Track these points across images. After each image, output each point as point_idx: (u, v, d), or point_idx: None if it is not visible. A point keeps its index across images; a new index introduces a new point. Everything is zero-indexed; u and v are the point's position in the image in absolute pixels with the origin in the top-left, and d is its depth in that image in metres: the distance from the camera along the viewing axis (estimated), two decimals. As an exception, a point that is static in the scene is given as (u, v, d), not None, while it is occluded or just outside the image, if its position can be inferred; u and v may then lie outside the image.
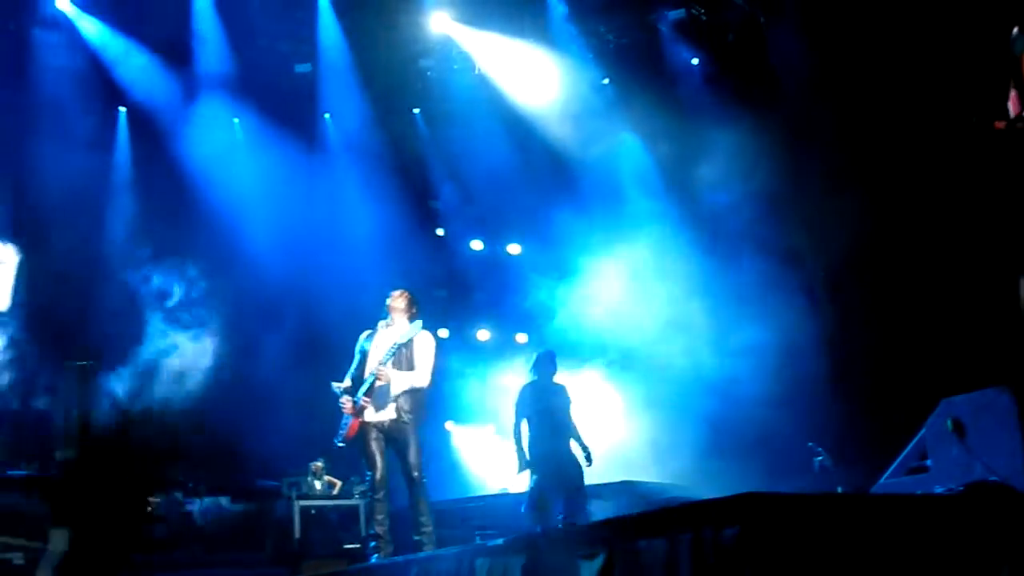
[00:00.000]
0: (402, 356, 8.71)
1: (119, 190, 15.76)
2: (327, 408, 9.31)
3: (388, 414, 8.62)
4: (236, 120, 16.45)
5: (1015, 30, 8.07)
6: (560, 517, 9.73)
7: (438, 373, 9.09)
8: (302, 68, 16.08)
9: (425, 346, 8.81)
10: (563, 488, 9.84)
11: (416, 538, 8.55)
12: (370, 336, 8.96)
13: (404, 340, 8.73)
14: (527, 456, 9.94)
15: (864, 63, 13.34)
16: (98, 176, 15.35)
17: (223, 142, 16.12)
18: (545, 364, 10.24)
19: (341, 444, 8.85)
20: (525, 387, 10.19)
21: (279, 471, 14.48)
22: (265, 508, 13.56)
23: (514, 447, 10.02)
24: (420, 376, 8.69)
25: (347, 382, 8.87)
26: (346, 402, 8.73)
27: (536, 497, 9.79)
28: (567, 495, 9.82)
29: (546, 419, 9.96)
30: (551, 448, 9.88)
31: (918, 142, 12.31)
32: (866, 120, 13.32)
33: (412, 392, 8.65)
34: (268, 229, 15.82)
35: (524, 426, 10.01)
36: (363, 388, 8.69)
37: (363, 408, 8.66)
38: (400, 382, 8.64)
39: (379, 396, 8.66)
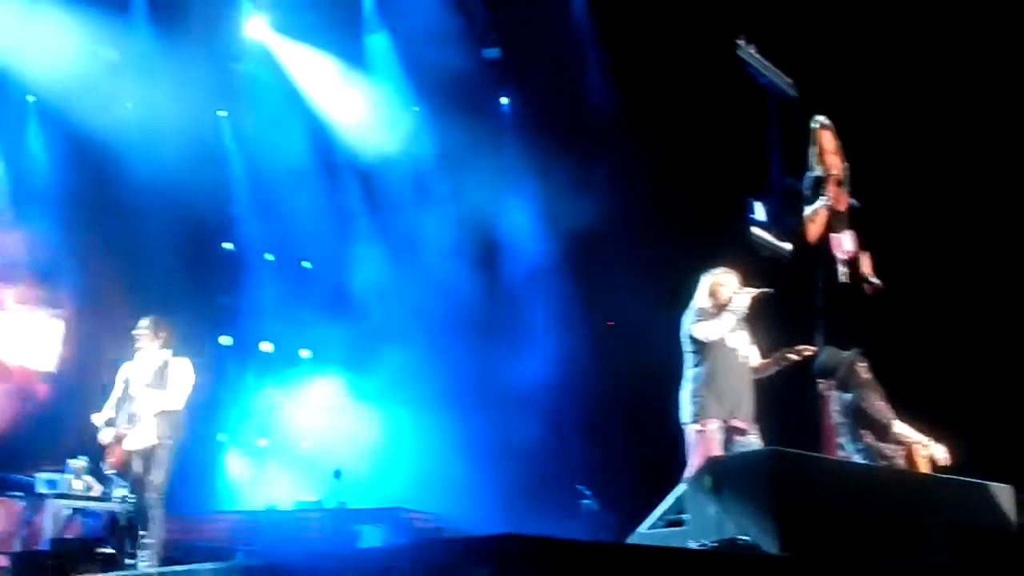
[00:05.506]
0: (157, 382, 8.80)
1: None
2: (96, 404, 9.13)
3: (148, 440, 8.68)
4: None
5: None
6: None
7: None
8: (107, 53, 15.45)
9: (179, 370, 8.90)
10: None
11: (132, 549, 8.66)
12: (130, 367, 9.03)
13: (159, 365, 8.83)
14: None
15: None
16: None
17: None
18: None
19: (111, 472, 8.93)
20: None
21: (29, 463, 13.80)
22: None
23: None
24: (173, 398, 8.77)
25: (109, 412, 8.92)
26: (106, 435, 8.82)
27: None
28: None
29: None
30: None
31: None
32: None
33: (167, 415, 8.73)
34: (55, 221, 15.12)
35: None
36: (122, 418, 8.80)
37: (123, 436, 8.74)
38: (154, 403, 8.70)
39: (135, 421, 8.73)
